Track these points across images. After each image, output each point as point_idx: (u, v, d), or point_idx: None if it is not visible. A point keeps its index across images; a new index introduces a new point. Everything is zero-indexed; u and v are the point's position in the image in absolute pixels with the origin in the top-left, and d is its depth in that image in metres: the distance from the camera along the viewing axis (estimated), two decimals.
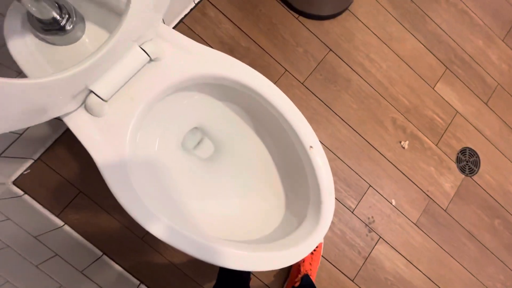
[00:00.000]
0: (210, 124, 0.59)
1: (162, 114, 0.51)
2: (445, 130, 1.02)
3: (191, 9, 0.87)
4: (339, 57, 0.97)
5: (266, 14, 0.93)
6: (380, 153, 0.95)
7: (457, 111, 1.04)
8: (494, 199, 1.02)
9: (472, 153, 1.02)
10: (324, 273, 0.86)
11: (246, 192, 0.57)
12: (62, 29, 0.38)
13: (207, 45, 0.86)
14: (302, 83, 0.93)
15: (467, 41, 1.09)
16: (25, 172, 0.73)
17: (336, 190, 0.91)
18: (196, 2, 0.88)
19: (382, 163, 0.95)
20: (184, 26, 0.87)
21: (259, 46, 0.91)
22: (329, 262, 0.87)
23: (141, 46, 0.39)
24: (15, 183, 0.72)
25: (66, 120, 0.39)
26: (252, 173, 0.58)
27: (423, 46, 1.05)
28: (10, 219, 0.61)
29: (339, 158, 0.92)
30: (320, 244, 0.83)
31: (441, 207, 0.97)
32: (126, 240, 0.77)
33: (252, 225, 0.53)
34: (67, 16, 0.38)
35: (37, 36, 0.38)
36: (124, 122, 0.41)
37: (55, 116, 0.37)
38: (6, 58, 0.45)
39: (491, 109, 1.07)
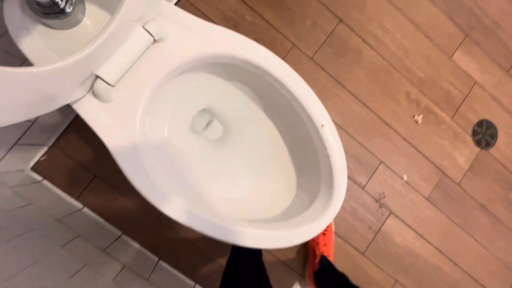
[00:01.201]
0: (218, 105, 0.58)
1: (170, 96, 0.51)
2: (462, 102, 0.97)
3: None
4: (350, 28, 0.91)
5: None
6: (392, 128, 0.93)
7: (476, 81, 0.99)
8: (510, 171, 1.00)
9: (489, 125, 0.99)
10: (335, 247, 0.89)
11: (257, 172, 0.57)
12: (62, 12, 0.37)
13: (210, 21, 0.82)
14: (311, 58, 0.89)
15: (491, 3, 1.00)
16: (42, 159, 0.75)
17: (347, 167, 0.90)
18: None
19: (394, 139, 0.93)
20: (186, 2, 0.83)
21: (265, 20, 0.87)
22: (340, 237, 0.89)
23: (144, 27, 0.38)
24: (33, 169, 0.74)
25: (76, 107, 0.39)
26: (262, 154, 0.57)
27: (441, 12, 0.97)
28: (32, 203, 0.64)
29: (349, 134, 0.91)
30: (330, 223, 0.84)
31: (454, 182, 0.96)
32: (143, 220, 0.80)
33: (264, 204, 0.54)
34: None
35: (38, 21, 0.37)
36: (133, 106, 0.41)
37: (64, 104, 0.37)
38: (9, 45, 0.44)
39: (511, 77, 1.01)
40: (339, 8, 0.91)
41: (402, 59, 0.94)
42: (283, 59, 0.83)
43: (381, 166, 0.92)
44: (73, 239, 0.62)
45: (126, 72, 0.39)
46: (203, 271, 0.82)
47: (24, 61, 0.51)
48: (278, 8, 0.88)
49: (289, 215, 0.51)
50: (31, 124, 0.63)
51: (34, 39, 0.37)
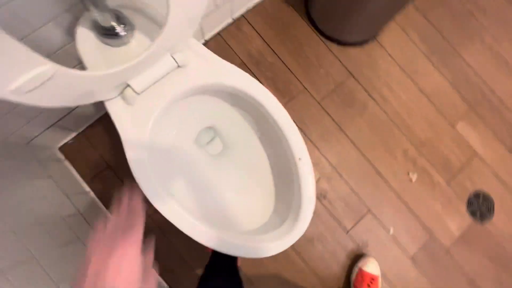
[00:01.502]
0: (222, 126, 0.68)
1: (183, 111, 0.61)
2: (460, 170, 1.00)
3: (229, 24, 0.98)
4: (359, 83, 1.01)
5: (295, 35, 1.01)
6: (385, 180, 0.97)
7: (477, 153, 1.01)
8: (506, 250, 0.97)
9: (486, 198, 0.99)
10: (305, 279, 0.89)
11: (242, 190, 0.64)
12: (117, 35, 0.49)
13: (236, 57, 0.96)
14: (318, 102, 0.98)
15: (500, 84, 1.06)
16: (69, 142, 0.88)
17: (335, 207, 0.94)
18: (233, 18, 0.98)
19: (385, 191, 0.96)
20: (220, 38, 0.98)
21: (284, 63, 0.99)
22: (316, 273, 0.90)
23: (172, 55, 0.49)
24: (60, 149, 0.87)
25: (107, 104, 0.50)
26: (250, 175, 0.65)
27: (449, 83, 1.05)
28: (52, 177, 0.74)
29: (342, 177, 0.95)
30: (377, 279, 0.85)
31: (443, 247, 0.95)
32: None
33: (242, 219, 0.60)
34: (122, 25, 0.49)
35: (97, 38, 0.49)
36: (149, 112, 0.51)
37: (100, 100, 0.48)
38: (72, 50, 0.57)
39: None
40: (352, 64, 1.01)
41: (404, 118, 1.01)
42: (293, 99, 0.94)
43: (369, 214, 0.94)
44: (74, 215, 0.70)
45: (151, 86, 0.50)
46: (180, 275, 0.86)
47: (79, 63, 0.64)
48: (297, 55, 1.00)
49: (261, 231, 0.56)
50: (70, 111, 0.76)
51: (91, 49, 0.49)
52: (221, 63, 0.53)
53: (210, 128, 0.69)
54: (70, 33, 0.51)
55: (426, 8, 1.07)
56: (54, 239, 0.57)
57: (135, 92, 0.49)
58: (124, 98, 0.50)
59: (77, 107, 0.77)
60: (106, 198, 0.88)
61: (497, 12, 1.10)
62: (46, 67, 0.32)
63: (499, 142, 1.03)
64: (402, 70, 1.03)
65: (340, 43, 1.02)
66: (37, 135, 0.75)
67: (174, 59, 0.49)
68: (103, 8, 0.45)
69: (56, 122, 0.76)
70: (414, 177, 0.97)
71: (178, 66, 0.51)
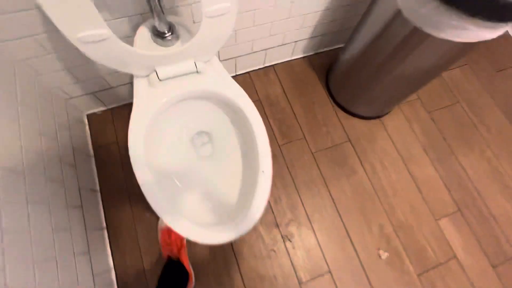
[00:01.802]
0: (216, 134, 0.79)
1: (189, 109, 0.74)
2: (435, 267, 0.96)
3: (259, 69, 1.18)
4: (354, 149, 1.10)
5: (310, 94, 1.16)
6: (355, 248, 0.96)
7: (456, 256, 0.98)
8: None
9: None
10: None
11: (216, 187, 0.72)
12: (164, 38, 0.67)
13: (255, 94, 1.12)
14: (312, 153, 1.07)
15: (492, 198, 1.08)
16: (97, 113, 1.04)
17: (296, 255, 0.93)
18: (264, 65, 1.18)
19: (351, 258, 0.95)
20: (248, 76, 1.16)
21: (293, 111, 1.13)
22: None
23: (195, 62, 0.64)
24: (87, 115, 1.03)
25: (135, 79, 0.65)
26: (224, 177, 0.73)
27: (440, 179, 1.09)
28: (71, 133, 0.88)
29: (313, 229, 0.97)
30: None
31: None
32: (123, 191, 0.96)
33: (210, 211, 0.67)
34: (171, 32, 0.67)
35: (151, 36, 0.67)
36: (162, 97, 0.64)
37: (132, 73, 0.63)
38: (130, 40, 0.76)
39: (497, 275, 0.97)
40: (352, 132, 1.12)
41: (389, 195, 1.04)
42: (291, 142, 1.04)
43: (328, 275, 0.92)
44: (71, 166, 0.81)
45: (171, 78, 0.65)
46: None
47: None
48: (307, 109, 1.14)
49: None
50: (109, 88, 0.94)
51: (143, 40, 0.66)
52: (230, 80, 0.68)
53: (206, 133, 0.81)
54: (134, 29, 0.69)
55: (432, 108, 1.19)
56: (53, 182, 0.68)
57: (158, 78, 0.64)
58: (149, 80, 0.65)
59: (115, 86, 0.95)
60: (103, 169, 0.98)
61: (500, 132, 1.18)
62: (105, 31, 0.48)
63: (482, 253, 1.00)
64: (397, 152, 1.11)
65: (347, 112, 1.15)
66: (77, 96, 0.92)
67: (195, 64, 0.64)
68: (163, 19, 0.63)
69: (95, 92, 0.94)
70: (384, 255, 0.96)
71: (197, 72, 0.66)
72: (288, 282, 0.90)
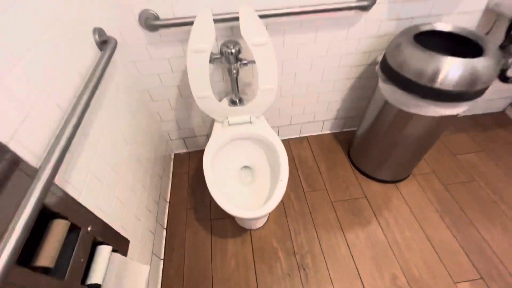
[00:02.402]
0: (255, 167, 1.15)
1: (240, 145, 1.15)
2: None
3: (295, 137, 1.59)
4: (370, 205, 1.28)
5: (334, 158, 1.48)
6: None
7: None
8: None
9: None
10: None
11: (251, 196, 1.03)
12: (235, 103, 1.16)
13: (291, 155, 1.49)
14: (331, 202, 1.30)
15: None
16: (181, 153, 1.54)
17: (308, 283, 1.05)
18: (300, 136, 1.60)
19: None
20: (286, 142, 1.57)
21: (319, 169, 1.43)
22: None
23: (250, 116, 1.09)
24: (174, 154, 1.53)
25: (215, 122, 1.11)
26: (259, 192, 1.05)
27: (459, 245, 1.14)
28: (163, 161, 1.36)
29: (326, 264, 1.10)
30: None
31: None
32: (183, 206, 1.31)
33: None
34: (239, 101, 1.16)
35: (229, 100, 1.17)
36: (229, 134, 1.08)
37: (216, 118, 1.11)
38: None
39: None
40: (369, 191, 1.33)
41: (402, 250, 1.13)
42: (314, 191, 1.33)
43: None
44: (159, 180, 1.25)
45: (236, 124, 1.09)
46: None
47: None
48: (330, 169, 1.43)
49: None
50: (194, 136, 1.45)
51: (226, 102, 1.16)
52: (269, 129, 1.09)
53: (249, 167, 1.18)
54: (223, 96, 1.22)
55: (447, 182, 1.35)
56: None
57: (228, 123, 1.09)
58: (222, 123, 1.11)
59: (198, 136, 1.46)
60: (175, 185, 1.39)
61: None
62: (210, 93, 0.98)
63: None
64: (411, 213, 1.24)
65: (365, 175, 1.40)
66: (174, 139, 1.45)
67: (250, 118, 1.09)
68: (237, 95, 1.13)
69: (185, 138, 1.45)
70: None
71: (250, 122, 1.10)
72: None
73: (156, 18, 0.92)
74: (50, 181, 0.50)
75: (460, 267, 1.08)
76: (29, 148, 0.50)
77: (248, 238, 1.19)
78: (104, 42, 0.84)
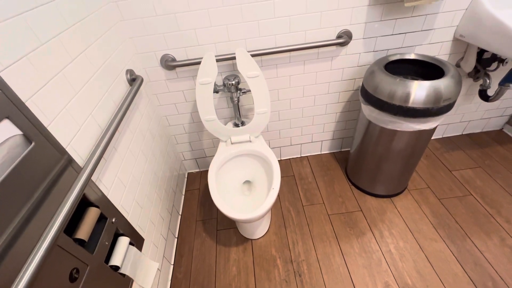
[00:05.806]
0: (254, 180, 1.30)
1: (241, 161, 1.32)
2: None
3: (296, 157, 1.74)
4: (365, 217, 1.36)
5: (332, 175, 1.59)
6: None
7: None
8: None
9: None
10: None
11: (249, 204, 1.17)
12: (238, 125, 1.36)
13: (291, 171, 1.63)
14: (328, 214, 1.39)
15: None
16: (194, 172, 1.73)
17: None
18: (300, 155, 1.74)
19: None
20: (288, 161, 1.72)
21: (317, 184, 1.55)
22: None
23: (250, 135, 1.28)
24: (188, 173, 1.73)
25: (220, 142, 1.31)
26: (256, 201, 1.18)
27: (453, 256, 1.17)
28: (177, 179, 1.56)
29: (321, 272, 1.17)
30: None
31: None
32: (193, 218, 1.46)
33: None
34: (241, 123, 1.36)
35: (233, 123, 1.37)
36: (231, 151, 1.26)
37: (221, 138, 1.30)
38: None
39: None
40: (364, 205, 1.41)
41: (396, 260, 1.18)
42: (312, 205, 1.45)
43: None
44: (173, 194, 1.43)
45: (237, 143, 1.28)
46: None
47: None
48: (328, 184, 1.54)
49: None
50: (205, 157, 1.65)
51: (230, 125, 1.36)
52: (266, 147, 1.26)
53: (249, 181, 1.33)
54: (225, 121, 1.43)
55: (442, 196, 1.40)
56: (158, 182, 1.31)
57: (231, 142, 1.28)
58: (226, 143, 1.30)
59: (208, 156, 1.65)
60: (187, 200, 1.56)
61: None
62: (215, 117, 1.19)
63: None
64: (406, 225, 1.30)
65: (361, 190, 1.49)
66: (187, 159, 1.65)
67: (249, 137, 1.27)
68: (239, 119, 1.34)
69: (197, 158, 1.66)
70: None
71: (250, 141, 1.28)
72: None
73: (173, 60, 1.17)
74: (89, 177, 0.69)
75: (454, 277, 1.10)
76: (78, 152, 0.71)
77: (250, 246, 1.30)
78: (133, 79, 1.10)
